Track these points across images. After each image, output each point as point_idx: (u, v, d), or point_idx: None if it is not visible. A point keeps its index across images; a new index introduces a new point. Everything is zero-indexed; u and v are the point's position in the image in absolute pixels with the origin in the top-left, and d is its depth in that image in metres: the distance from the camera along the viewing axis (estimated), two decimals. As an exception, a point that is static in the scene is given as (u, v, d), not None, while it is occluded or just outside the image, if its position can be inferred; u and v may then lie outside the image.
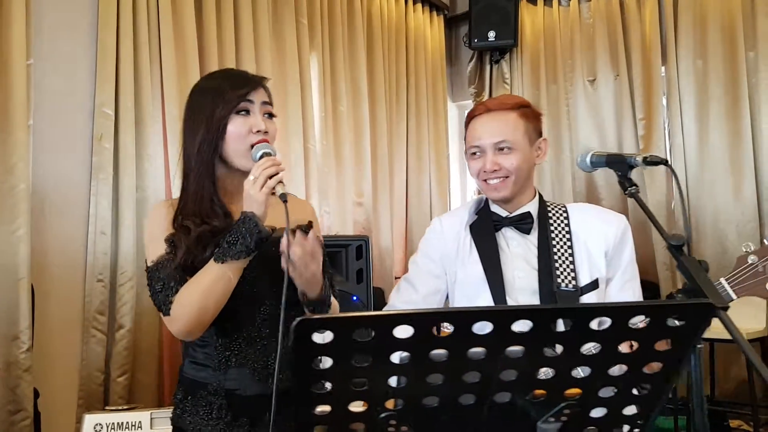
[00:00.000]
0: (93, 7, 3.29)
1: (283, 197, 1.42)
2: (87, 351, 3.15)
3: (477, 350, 0.82)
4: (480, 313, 0.78)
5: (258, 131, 1.57)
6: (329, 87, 4.70)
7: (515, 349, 0.82)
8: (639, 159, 1.32)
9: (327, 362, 0.80)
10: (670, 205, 5.24)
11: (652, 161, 1.33)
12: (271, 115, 1.64)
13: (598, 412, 0.91)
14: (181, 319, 1.46)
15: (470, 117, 1.76)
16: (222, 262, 1.44)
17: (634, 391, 0.89)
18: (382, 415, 0.87)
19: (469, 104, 6.20)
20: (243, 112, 1.58)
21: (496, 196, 1.70)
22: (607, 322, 0.80)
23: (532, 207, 1.72)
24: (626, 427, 0.94)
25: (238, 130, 1.55)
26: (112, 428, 2.27)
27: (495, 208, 1.76)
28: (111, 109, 3.28)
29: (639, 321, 0.79)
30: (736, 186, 4.98)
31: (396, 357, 0.81)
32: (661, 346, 0.83)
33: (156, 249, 1.51)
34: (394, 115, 5.30)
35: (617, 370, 0.86)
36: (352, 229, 4.75)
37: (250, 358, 1.52)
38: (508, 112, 1.70)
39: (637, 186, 1.28)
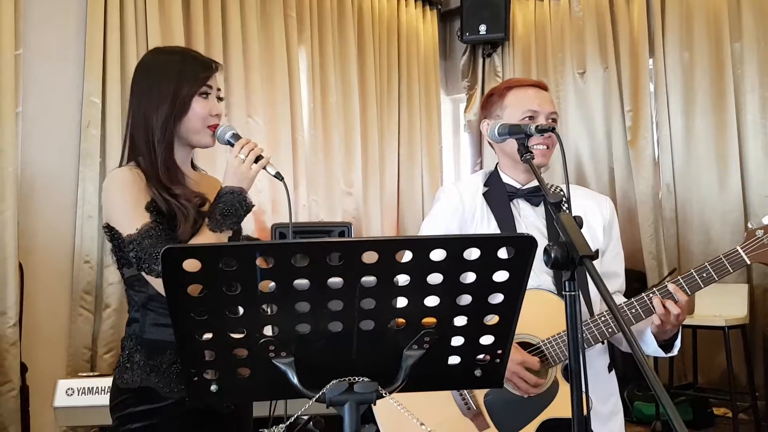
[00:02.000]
0: (82, 0, 3.43)
1: (279, 176, 1.62)
2: (74, 329, 3.30)
3: (335, 280, 0.93)
4: (330, 245, 0.89)
5: (216, 114, 1.71)
6: (318, 79, 4.82)
7: (368, 279, 0.93)
8: (533, 128, 1.42)
9: (201, 290, 0.92)
10: (657, 195, 5.30)
11: (542, 129, 1.43)
12: (221, 99, 1.77)
13: (457, 341, 1.02)
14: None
15: (511, 87, 1.85)
16: (220, 231, 1.59)
17: (486, 321, 0.99)
18: (262, 340, 0.99)
19: (463, 97, 6.31)
20: (204, 95, 1.70)
21: (542, 161, 1.83)
22: (444, 253, 0.91)
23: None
24: (487, 356, 1.04)
25: (201, 112, 1.67)
26: (82, 392, 2.41)
27: (507, 179, 1.86)
28: (98, 98, 3.43)
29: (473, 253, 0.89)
30: (722, 176, 5.03)
31: (264, 286, 0.93)
32: (499, 277, 0.94)
33: (137, 216, 1.58)
34: (385, 108, 5.41)
35: (464, 300, 0.97)
36: (341, 218, 4.87)
37: None
38: (548, 92, 1.86)
39: (531, 153, 1.38)
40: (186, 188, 1.66)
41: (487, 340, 1.02)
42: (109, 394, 1.73)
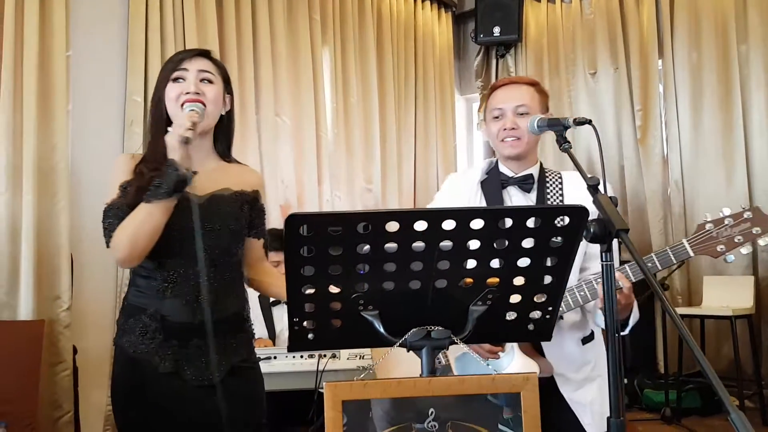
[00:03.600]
0: (124, 4, 3.66)
1: (184, 140, 1.63)
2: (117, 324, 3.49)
3: (418, 244, 1.12)
4: (417, 213, 1.09)
5: (188, 93, 1.77)
6: (340, 80, 5.03)
7: (446, 243, 1.12)
8: (570, 120, 1.62)
9: (309, 251, 1.12)
10: (666, 192, 5.49)
11: (579, 122, 1.62)
12: (209, 81, 1.83)
13: (515, 298, 1.21)
14: (116, 248, 1.70)
15: (494, 88, 2.04)
16: (149, 202, 1.66)
17: (541, 281, 1.19)
18: (354, 295, 1.18)
19: (477, 97, 6.51)
20: (179, 80, 1.82)
21: (511, 152, 1.98)
22: (510, 222, 1.10)
23: (534, 170, 2.02)
24: (538, 313, 1.24)
25: (170, 95, 1.79)
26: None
27: (503, 168, 2.03)
28: (140, 97, 3.63)
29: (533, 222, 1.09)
30: (729, 173, 5.22)
31: (360, 249, 1.12)
32: (554, 243, 1.13)
33: (111, 194, 1.79)
34: (402, 107, 5.61)
35: (524, 262, 1.16)
36: (362, 213, 5.06)
37: (183, 290, 1.74)
38: (528, 85, 2.02)
39: (569, 143, 1.57)
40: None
41: (540, 298, 1.22)
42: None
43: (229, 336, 1.81)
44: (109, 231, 1.74)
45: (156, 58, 3.68)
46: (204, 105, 1.78)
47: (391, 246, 1.12)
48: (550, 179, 2.01)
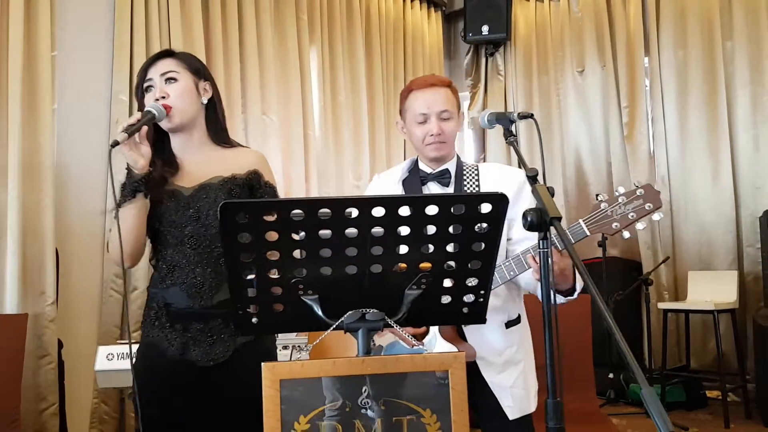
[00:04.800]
0: (110, 4, 3.73)
1: (112, 142, 1.68)
2: (105, 309, 3.57)
3: (351, 230, 1.18)
4: (348, 200, 1.15)
5: (156, 99, 1.85)
6: (328, 79, 5.09)
7: (377, 230, 1.18)
8: (515, 115, 1.68)
9: (247, 237, 1.18)
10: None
11: (522, 115, 1.68)
12: (173, 80, 1.89)
13: (448, 283, 1.27)
14: (111, 253, 1.87)
15: (409, 90, 2.09)
16: (120, 207, 1.78)
17: (470, 265, 1.25)
18: (293, 280, 1.24)
19: (467, 96, 6.57)
20: (150, 88, 1.89)
21: (437, 155, 2.06)
22: (436, 209, 1.16)
23: (451, 165, 2.10)
24: (472, 296, 1.30)
25: (147, 104, 1.87)
26: (121, 357, 2.69)
27: (422, 165, 2.12)
28: (126, 95, 3.70)
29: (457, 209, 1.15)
30: (714, 169, 5.28)
31: (296, 235, 1.18)
32: (480, 229, 1.19)
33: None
34: (391, 105, 5.67)
35: (453, 247, 1.22)
36: (350, 210, 5.12)
37: (181, 279, 1.84)
38: (446, 87, 2.07)
39: (515, 136, 1.63)
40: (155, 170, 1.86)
41: (471, 282, 1.28)
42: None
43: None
44: (108, 238, 1.91)
45: (141, 58, 3.74)
46: (165, 106, 1.84)
47: (325, 232, 1.18)
48: (467, 172, 2.08)
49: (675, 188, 5.46)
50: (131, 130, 1.70)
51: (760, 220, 4.76)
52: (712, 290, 4.82)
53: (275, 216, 1.15)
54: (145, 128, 1.75)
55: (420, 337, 1.92)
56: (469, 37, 6.15)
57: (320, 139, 5.00)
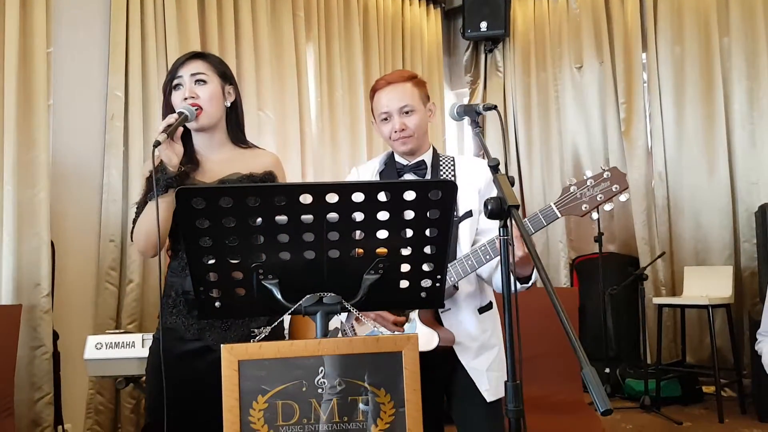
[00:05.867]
0: (106, 1, 3.77)
1: (155, 143, 1.75)
2: (101, 301, 3.63)
3: (307, 216, 1.22)
4: (301, 187, 1.19)
5: (185, 99, 1.95)
6: (325, 76, 5.13)
7: (332, 215, 1.22)
8: (480, 107, 1.72)
9: (205, 222, 1.22)
10: (650, 183, 5.55)
11: (487, 107, 1.72)
12: (203, 82, 1.98)
13: (405, 268, 1.31)
14: (135, 242, 1.98)
15: (374, 91, 2.16)
16: (150, 200, 1.88)
17: (426, 250, 1.28)
18: (253, 265, 1.29)
19: (466, 92, 6.60)
20: (179, 87, 2.00)
21: (404, 149, 2.11)
22: (388, 195, 1.19)
23: (427, 157, 2.14)
24: (429, 281, 1.33)
25: (175, 102, 1.98)
26: (109, 346, 2.75)
27: (398, 158, 2.17)
28: (121, 92, 3.75)
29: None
30: (711, 164, 5.28)
31: (253, 221, 1.22)
32: (432, 215, 1.23)
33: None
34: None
35: (407, 233, 1.26)
36: (347, 205, 5.16)
37: None
38: (405, 82, 2.11)
39: (480, 128, 1.67)
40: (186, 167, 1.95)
41: (428, 267, 1.31)
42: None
43: None
44: (132, 226, 1.99)
45: (137, 54, 3.80)
46: (199, 106, 1.94)
47: (281, 218, 1.22)
48: (444, 163, 2.12)
49: (672, 184, 5.46)
50: (170, 131, 1.80)
51: (756, 216, 4.77)
52: (708, 285, 4.83)
53: (231, 202, 1.19)
54: (180, 128, 1.85)
55: (401, 325, 1.96)
56: (467, 34, 6.17)
57: (317, 135, 5.04)
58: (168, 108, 1.99)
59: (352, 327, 2.02)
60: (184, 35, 4.05)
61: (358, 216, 1.23)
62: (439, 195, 1.20)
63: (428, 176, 2.09)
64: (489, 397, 1.98)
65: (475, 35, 6.19)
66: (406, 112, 2.08)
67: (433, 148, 2.16)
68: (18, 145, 3.29)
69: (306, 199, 1.19)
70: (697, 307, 4.82)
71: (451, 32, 6.79)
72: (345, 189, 1.19)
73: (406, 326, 1.94)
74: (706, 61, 5.30)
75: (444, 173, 2.09)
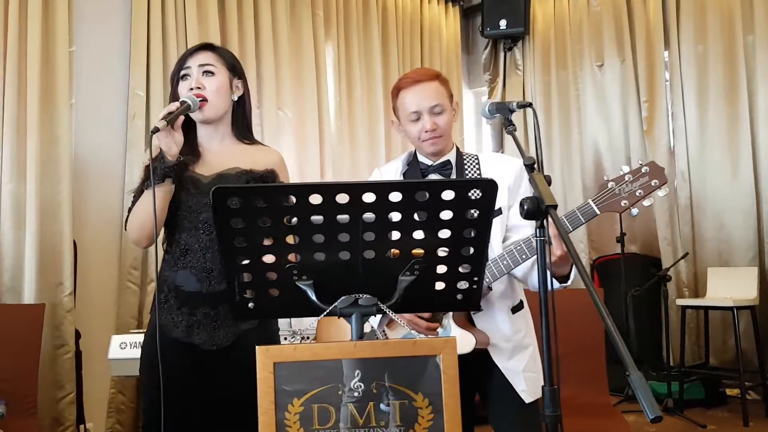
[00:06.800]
0: (127, 0, 3.77)
1: (153, 129, 1.75)
2: (122, 300, 3.64)
3: (343, 216, 1.20)
4: (338, 186, 1.16)
5: (191, 89, 1.92)
6: (344, 74, 5.11)
7: (368, 215, 1.19)
8: (514, 104, 1.69)
9: (240, 222, 1.20)
10: (672, 183, 5.47)
11: (521, 105, 1.69)
12: (211, 73, 1.95)
13: (441, 269, 1.28)
14: (128, 231, 1.95)
15: (398, 89, 2.08)
16: (147, 189, 1.85)
17: (463, 252, 1.25)
18: (287, 266, 1.26)
19: (484, 90, 6.56)
20: (186, 77, 1.95)
21: (434, 149, 2.06)
22: (426, 194, 1.17)
23: (451, 156, 2.10)
24: (465, 283, 1.30)
25: (181, 92, 1.94)
26: (133, 346, 2.74)
27: (422, 158, 2.12)
28: (143, 91, 3.75)
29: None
30: (735, 164, 5.21)
31: (288, 221, 1.20)
32: (471, 215, 1.20)
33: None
34: (407, 101, 5.66)
35: (444, 234, 1.23)
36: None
37: (191, 262, 1.90)
38: (432, 81, 2.06)
39: (514, 126, 1.63)
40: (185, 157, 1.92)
41: (464, 268, 1.28)
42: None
43: None
44: (127, 215, 1.96)
45: (158, 53, 3.80)
46: (203, 98, 1.91)
47: (317, 218, 1.20)
48: (468, 162, 2.08)
49: (695, 183, 5.39)
50: (170, 119, 1.77)
51: (782, 216, 4.70)
52: (732, 286, 4.76)
53: (267, 202, 1.17)
54: (180, 117, 1.81)
55: (434, 330, 1.92)
56: (487, 32, 6.13)
57: (335, 134, 5.02)
58: (174, 98, 1.96)
59: (384, 332, 1.98)
60: (204, 35, 4.04)
61: (395, 216, 1.20)
62: (479, 194, 1.17)
63: (453, 176, 2.05)
64: (527, 398, 1.94)
65: (494, 33, 6.14)
66: (437, 112, 2.03)
67: (456, 147, 2.12)
68: (40, 144, 3.30)
69: (342, 198, 1.17)
70: (721, 309, 4.75)
71: (470, 30, 6.75)
72: (382, 188, 1.16)
73: (440, 331, 1.91)
74: (730, 60, 5.22)
75: (469, 172, 2.06)
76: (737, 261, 5.12)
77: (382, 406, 1.21)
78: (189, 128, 1.96)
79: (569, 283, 1.83)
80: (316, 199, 1.17)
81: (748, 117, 5.14)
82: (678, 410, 4.56)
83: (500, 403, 1.99)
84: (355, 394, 1.21)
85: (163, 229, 1.96)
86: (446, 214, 1.20)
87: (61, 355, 3.28)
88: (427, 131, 2.02)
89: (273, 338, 2.01)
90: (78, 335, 3.38)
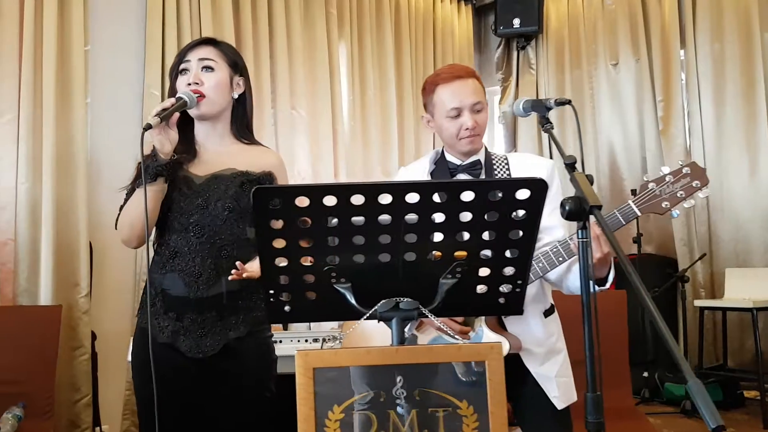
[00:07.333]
0: (142, -1, 3.76)
1: (145, 126, 1.66)
2: (138, 303, 3.59)
3: (384, 217, 1.16)
4: (381, 186, 1.12)
5: (189, 84, 1.84)
6: (357, 73, 5.08)
7: (411, 216, 1.15)
8: (552, 102, 1.64)
9: (279, 223, 1.16)
10: (688, 182, 5.41)
11: (560, 102, 1.64)
12: (210, 69, 1.88)
13: (484, 272, 1.24)
14: (118, 230, 1.89)
15: (434, 84, 2.01)
16: (138, 187, 1.79)
17: (507, 254, 1.21)
18: (326, 268, 1.22)
19: (497, 90, 6.51)
20: (185, 71, 1.88)
21: (470, 148, 2.01)
22: (472, 195, 1.13)
23: (481, 156, 2.04)
24: (508, 286, 1.26)
25: (180, 87, 1.86)
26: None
27: (450, 157, 2.06)
28: (158, 90, 3.72)
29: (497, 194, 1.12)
30: (752, 164, 5.15)
31: (329, 222, 1.16)
32: (517, 215, 1.15)
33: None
34: (420, 100, 5.60)
35: (489, 235, 1.19)
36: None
37: (180, 266, 1.82)
38: (472, 78, 2.01)
39: (551, 123, 1.59)
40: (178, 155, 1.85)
41: (508, 271, 1.24)
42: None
43: (228, 312, 1.85)
44: (118, 215, 1.90)
45: (173, 52, 3.76)
46: (201, 93, 1.83)
47: (358, 219, 1.16)
48: (497, 162, 2.03)
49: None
50: (164, 115, 1.69)
51: (800, 217, 4.64)
52: (751, 287, 4.70)
53: (308, 202, 1.13)
54: (175, 114, 1.74)
55: (466, 334, 1.87)
56: (500, 31, 6.09)
57: (348, 134, 4.99)
58: (173, 92, 1.89)
59: (414, 336, 1.94)
60: (219, 34, 3.99)
61: (439, 217, 1.16)
62: (527, 194, 1.13)
63: (482, 176, 2.00)
64: (559, 405, 1.89)
65: (507, 32, 6.10)
66: (478, 110, 1.98)
67: (485, 148, 2.07)
68: (56, 144, 3.28)
69: (385, 199, 1.13)
70: (740, 310, 4.69)
71: (482, 29, 6.70)
72: (427, 189, 1.12)
73: (472, 335, 1.86)
74: (747, 58, 5.16)
75: (499, 172, 2.01)
76: (755, 261, 5.06)
77: (426, 414, 1.17)
78: (186, 125, 1.90)
79: (607, 286, 1.79)
80: (358, 199, 1.13)
81: (765, 116, 5.07)
82: (696, 412, 4.50)
83: (532, 410, 1.93)
84: (397, 401, 1.17)
85: (154, 229, 1.90)
86: (492, 215, 1.16)
87: (77, 357, 3.26)
88: (467, 129, 1.96)
89: (265, 347, 1.93)
90: (94, 337, 3.36)
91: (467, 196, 1.13)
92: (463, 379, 1.17)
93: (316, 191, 1.13)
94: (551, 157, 5.99)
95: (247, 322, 1.88)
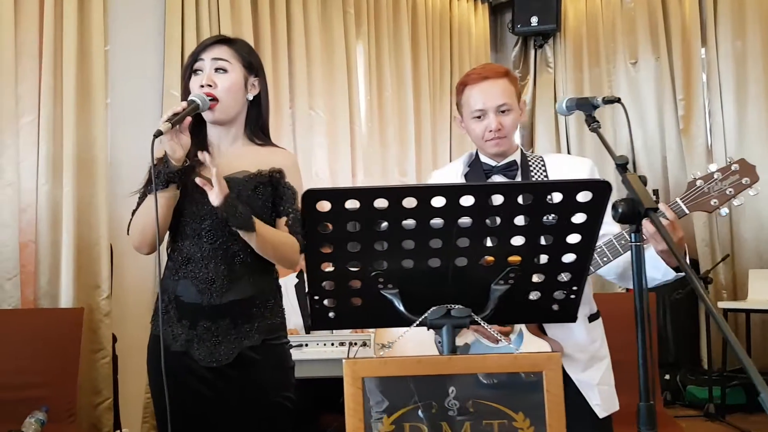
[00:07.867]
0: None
1: (156, 132, 1.60)
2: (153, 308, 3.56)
3: (436, 221, 1.11)
4: (435, 189, 1.08)
5: (202, 86, 1.78)
6: (375, 74, 5.04)
7: (464, 220, 1.11)
8: (599, 100, 1.59)
9: (328, 227, 1.11)
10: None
11: (608, 100, 1.60)
12: (224, 70, 1.81)
13: (537, 278, 1.19)
14: (130, 237, 1.84)
15: (464, 85, 1.98)
16: (149, 194, 1.75)
17: (564, 259, 1.16)
18: (373, 273, 1.18)
19: (514, 89, 6.44)
20: (198, 72, 1.81)
21: (497, 150, 1.96)
22: (530, 198, 1.08)
23: (516, 157, 2.00)
24: (562, 293, 1.21)
25: (193, 87, 1.80)
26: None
27: (485, 159, 2.01)
28: (177, 90, 3.67)
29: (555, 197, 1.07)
30: (775, 164, 5.07)
31: (378, 225, 1.11)
32: (577, 219, 1.11)
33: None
34: (437, 100, 5.59)
35: (546, 240, 1.14)
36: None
37: (193, 273, 1.78)
38: (501, 78, 1.95)
39: (598, 122, 1.54)
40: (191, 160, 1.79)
41: (564, 277, 1.19)
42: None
43: (242, 320, 1.80)
44: (130, 220, 1.86)
45: (192, 53, 3.74)
46: (214, 97, 1.77)
47: (408, 223, 1.11)
48: (533, 163, 1.98)
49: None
50: (175, 120, 1.63)
51: (826, 217, 4.56)
52: (773, 289, 4.64)
53: (358, 204, 1.09)
54: (187, 118, 1.68)
55: (506, 335, 1.82)
56: (517, 29, 6.02)
57: (366, 134, 4.95)
58: (186, 93, 1.82)
59: None
60: (237, 34, 3.94)
61: (493, 221, 1.11)
62: (588, 197, 1.08)
63: (518, 177, 1.95)
64: (601, 413, 1.83)
65: (525, 30, 6.03)
66: (503, 111, 1.92)
67: (521, 148, 2.02)
68: (77, 145, 3.26)
69: (438, 202, 1.08)
70: (764, 312, 4.62)
71: (498, 27, 6.64)
72: (482, 191, 1.08)
73: (512, 337, 1.80)
74: (770, 56, 5.09)
75: (535, 174, 1.96)
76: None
77: (480, 426, 1.12)
78: (199, 126, 1.84)
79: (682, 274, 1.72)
80: (410, 202, 1.09)
81: (788, 115, 5.00)
82: (720, 416, 4.44)
83: (571, 418, 1.87)
84: (450, 412, 1.12)
85: (167, 235, 1.85)
86: (550, 219, 1.11)
87: (98, 360, 3.23)
88: (491, 131, 1.92)
89: (281, 355, 1.88)
90: (114, 339, 3.33)
91: (525, 198, 1.09)
92: (519, 391, 1.12)
93: (366, 194, 1.09)
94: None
95: (262, 329, 1.83)
